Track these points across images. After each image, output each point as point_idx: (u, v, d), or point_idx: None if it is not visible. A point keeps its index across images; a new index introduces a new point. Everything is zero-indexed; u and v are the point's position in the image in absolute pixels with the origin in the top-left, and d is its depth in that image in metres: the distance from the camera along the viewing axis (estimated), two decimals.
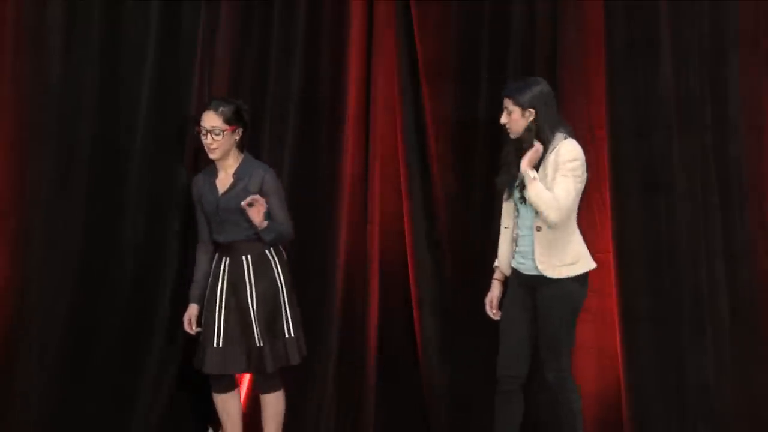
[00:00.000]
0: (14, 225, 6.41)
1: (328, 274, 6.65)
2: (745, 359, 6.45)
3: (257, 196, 6.00)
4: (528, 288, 5.84)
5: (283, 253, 6.26)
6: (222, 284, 6.17)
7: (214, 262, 6.25)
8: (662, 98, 6.47)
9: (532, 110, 5.72)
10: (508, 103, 5.75)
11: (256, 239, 6.12)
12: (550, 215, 5.63)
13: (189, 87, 6.59)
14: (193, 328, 6.21)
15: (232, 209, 6.11)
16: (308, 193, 6.69)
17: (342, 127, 6.72)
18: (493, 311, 6.02)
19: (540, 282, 5.77)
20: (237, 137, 6.14)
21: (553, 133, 5.74)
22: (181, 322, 6.49)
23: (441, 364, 6.69)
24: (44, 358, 6.40)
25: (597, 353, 6.55)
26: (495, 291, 6.02)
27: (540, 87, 5.76)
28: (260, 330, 6.09)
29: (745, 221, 6.49)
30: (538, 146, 5.65)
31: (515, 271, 5.91)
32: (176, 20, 6.61)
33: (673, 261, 6.45)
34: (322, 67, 6.74)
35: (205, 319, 6.22)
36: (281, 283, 6.17)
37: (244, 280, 6.12)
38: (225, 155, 6.14)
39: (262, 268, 6.14)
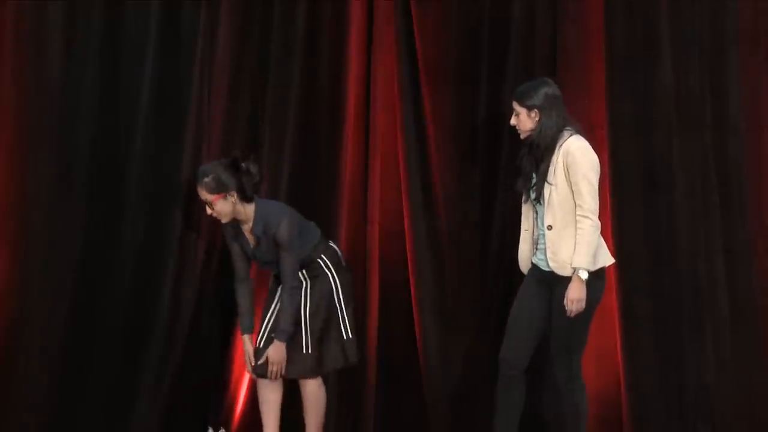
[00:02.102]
0: (14, 225, 6.42)
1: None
2: (745, 359, 6.44)
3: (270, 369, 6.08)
4: (545, 284, 5.85)
5: (338, 252, 6.24)
6: (279, 292, 6.20)
7: (272, 278, 6.28)
8: (662, 97, 6.47)
9: (537, 111, 5.77)
10: (515, 105, 5.85)
11: (305, 258, 6.14)
12: (593, 227, 5.71)
13: (189, 87, 6.59)
14: (252, 363, 6.18)
15: (269, 260, 6.14)
16: (308, 193, 6.69)
17: (342, 127, 6.71)
18: None
19: (556, 280, 5.78)
20: (232, 199, 6.04)
21: (558, 133, 5.78)
22: (182, 322, 6.51)
23: (441, 364, 6.68)
24: (45, 358, 6.40)
25: (597, 353, 6.54)
26: None
27: (545, 89, 5.82)
28: (311, 338, 6.12)
29: (745, 220, 6.48)
30: None
31: (535, 267, 5.92)
32: (176, 20, 6.61)
33: (673, 260, 6.45)
34: (322, 67, 6.73)
35: (260, 325, 6.25)
36: (336, 287, 6.17)
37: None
38: (233, 216, 6.08)
39: (317, 278, 6.15)
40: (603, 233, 6.45)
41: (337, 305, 6.19)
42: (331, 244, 6.26)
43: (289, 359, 6.11)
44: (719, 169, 6.48)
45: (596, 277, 5.76)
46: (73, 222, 6.48)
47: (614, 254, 6.42)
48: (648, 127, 6.49)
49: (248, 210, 6.09)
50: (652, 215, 6.49)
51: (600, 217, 6.48)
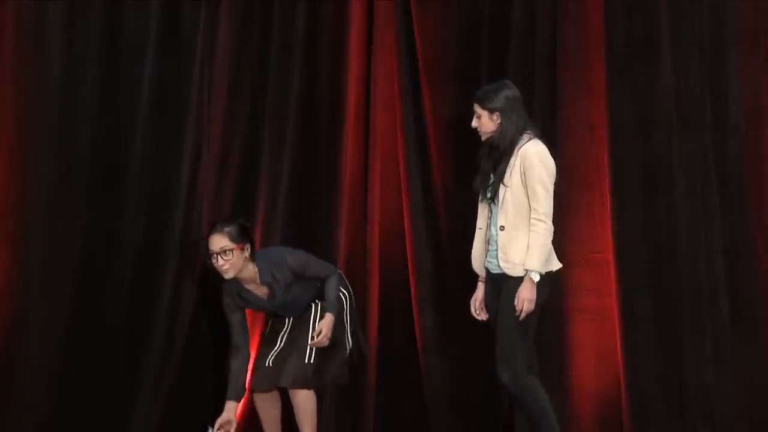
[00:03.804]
0: (14, 225, 6.42)
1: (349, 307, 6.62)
2: (745, 359, 6.44)
3: (315, 341, 6.10)
4: (497, 287, 5.86)
5: (345, 281, 6.33)
6: (290, 320, 6.25)
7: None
8: (662, 97, 6.47)
9: (498, 113, 5.79)
10: (477, 108, 5.87)
11: (317, 297, 6.22)
12: (547, 231, 5.71)
13: (189, 87, 6.60)
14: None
15: (290, 302, 6.17)
16: (308, 193, 6.69)
17: (342, 127, 6.72)
18: (477, 312, 6.03)
19: (504, 280, 5.80)
20: (247, 253, 6.06)
21: (519, 135, 5.80)
22: (181, 322, 6.52)
23: (441, 364, 6.69)
24: (44, 358, 6.40)
25: (597, 353, 6.54)
26: (479, 292, 6.02)
27: (506, 91, 5.84)
28: (315, 350, 6.14)
29: (745, 220, 6.48)
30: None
31: (487, 271, 5.93)
32: (176, 20, 6.62)
33: (673, 260, 6.45)
34: (322, 67, 6.74)
35: (264, 342, 6.28)
36: (346, 305, 6.24)
37: (310, 312, 6.21)
38: (240, 272, 6.07)
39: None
40: (602, 233, 6.49)
41: (345, 323, 6.24)
42: (339, 271, 6.32)
43: (289, 368, 6.13)
44: (719, 169, 6.48)
45: (545, 279, 5.76)
46: (73, 222, 6.48)
47: (614, 254, 6.43)
48: (648, 127, 6.49)
49: (252, 267, 6.09)
50: (652, 215, 6.48)
51: (600, 218, 6.52)
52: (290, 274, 6.11)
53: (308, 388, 6.15)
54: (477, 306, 6.02)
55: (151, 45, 6.56)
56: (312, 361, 6.14)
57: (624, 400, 6.44)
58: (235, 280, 6.10)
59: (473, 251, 5.99)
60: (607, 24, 6.53)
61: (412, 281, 6.75)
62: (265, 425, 6.28)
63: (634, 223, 6.49)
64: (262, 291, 6.15)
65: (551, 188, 5.75)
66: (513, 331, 5.75)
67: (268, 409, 6.26)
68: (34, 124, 6.45)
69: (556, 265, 5.85)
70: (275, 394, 6.26)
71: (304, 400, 6.16)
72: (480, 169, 5.91)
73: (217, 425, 6.14)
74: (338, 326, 6.21)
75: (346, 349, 6.25)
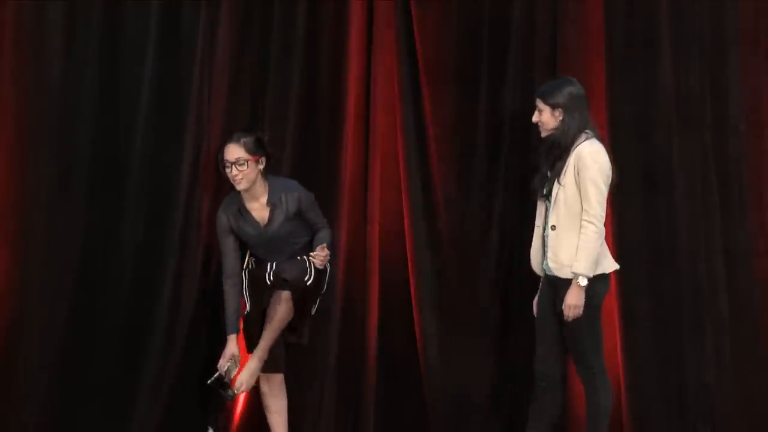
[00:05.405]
0: (14, 225, 6.42)
1: (329, 273, 6.63)
2: (745, 359, 6.45)
3: (316, 254, 6.14)
4: (554, 288, 5.86)
5: None
6: (265, 284, 6.25)
7: (253, 265, 6.32)
8: (662, 97, 6.48)
9: (560, 110, 5.77)
10: (539, 102, 5.86)
11: (299, 250, 6.23)
12: (597, 233, 5.70)
13: (189, 87, 6.59)
14: (230, 364, 6.19)
15: (281, 237, 6.19)
16: None
17: (342, 127, 6.72)
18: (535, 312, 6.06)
19: (559, 283, 5.79)
20: (261, 167, 6.15)
21: (579, 134, 5.78)
22: (181, 322, 6.51)
23: (441, 364, 6.69)
24: (44, 358, 6.40)
25: None
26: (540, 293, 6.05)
27: (569, 88, 5.83)
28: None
29: (745, 221, 6.49)
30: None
31: (544, 271, 5.92)
32: (176, 20, 6.61)
33: (673, 260, 6.46)
34: (322, 67, 6.74)
35: (250, 318, 6.29)
36: (310, 267, 6.24)
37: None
38: (252, 185, 6.13)
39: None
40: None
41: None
42: None
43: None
44: (719, 169, 6.49)
45: (596, 280, 5.76)
46: (73, 222, 6.47)
47: (614, 255, 6.42)
48: (648, 127, 6.50)
49: (263, 183, 6.17)
50: (652, 215, 6.49)
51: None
52: (296, 206, 6.16)
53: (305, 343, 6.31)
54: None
55: (151, 45, 6.55)
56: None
57: (624, 400, 6.45)
58: (239, 196, 6.17)
59: (531, 250, 5.99)
60: (607, 24, 6.54)
61: (412, 281, 6.74)
62: (271, 417, 6.29)
63: (634, 223, 6.49)
64: (261, 214, 6.18)
65: (605, 190, 5.74)
66: (576, 331, 5.77)
67: (275, 399, 6.28)
68: (34, 124, 6.44)
69: (610, 266, 5.83)
70: (281, 384, 6.29)
71: (281, 385, 6.24)
72: (539, 167, 5.89)
73: (229, 361, 6.16)
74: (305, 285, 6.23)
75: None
